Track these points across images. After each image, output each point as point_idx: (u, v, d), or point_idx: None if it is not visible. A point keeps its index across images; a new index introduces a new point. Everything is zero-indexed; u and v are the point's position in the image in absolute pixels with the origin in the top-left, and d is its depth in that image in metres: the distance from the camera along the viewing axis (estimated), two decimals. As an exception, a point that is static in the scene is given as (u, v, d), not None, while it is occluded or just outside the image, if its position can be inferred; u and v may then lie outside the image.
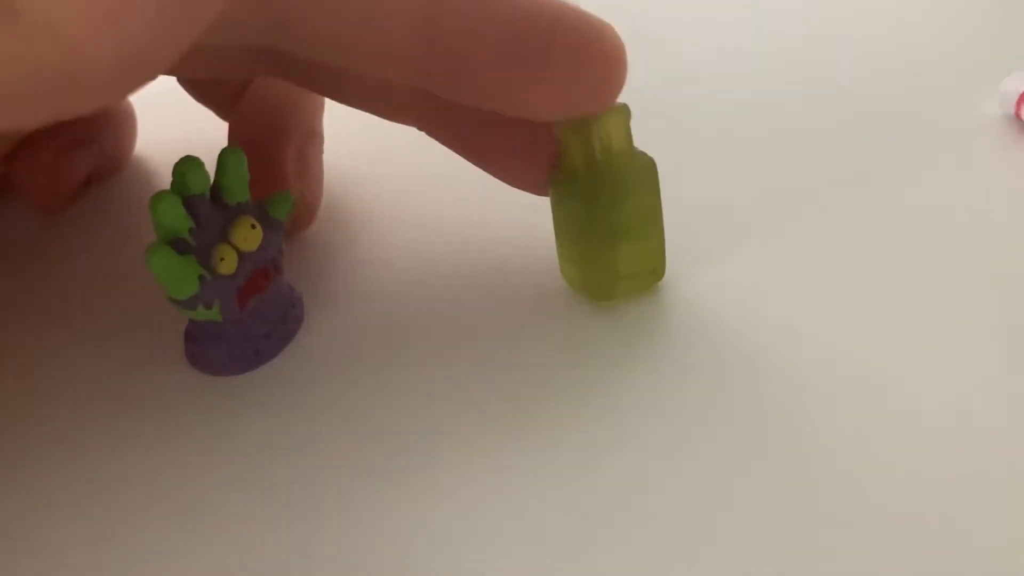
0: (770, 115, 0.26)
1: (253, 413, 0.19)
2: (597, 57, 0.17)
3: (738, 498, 0.16)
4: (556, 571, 0.15)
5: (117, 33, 0.12)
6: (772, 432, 0.17)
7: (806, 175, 0.23)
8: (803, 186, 0.23)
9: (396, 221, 0.23)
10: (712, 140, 0.25)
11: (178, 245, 0.17)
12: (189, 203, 0.18)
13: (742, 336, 0.19)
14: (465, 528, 0.16)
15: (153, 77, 0.14)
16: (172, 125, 0.26)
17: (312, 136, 0.23)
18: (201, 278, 0.18)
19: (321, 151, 0.24)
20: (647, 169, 0.19)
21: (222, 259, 0.18)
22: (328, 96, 0.21)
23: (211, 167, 0.18)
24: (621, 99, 0.18)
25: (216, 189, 0.18)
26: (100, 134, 0.25)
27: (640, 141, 0.19)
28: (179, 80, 0.25)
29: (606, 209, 0.18)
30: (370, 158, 0.23)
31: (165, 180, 0.17)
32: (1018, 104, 0.24)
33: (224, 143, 0.19)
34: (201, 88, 0.25)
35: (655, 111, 0.26)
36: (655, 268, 0.20)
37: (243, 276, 0.18)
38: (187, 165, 0.17)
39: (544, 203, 0.20)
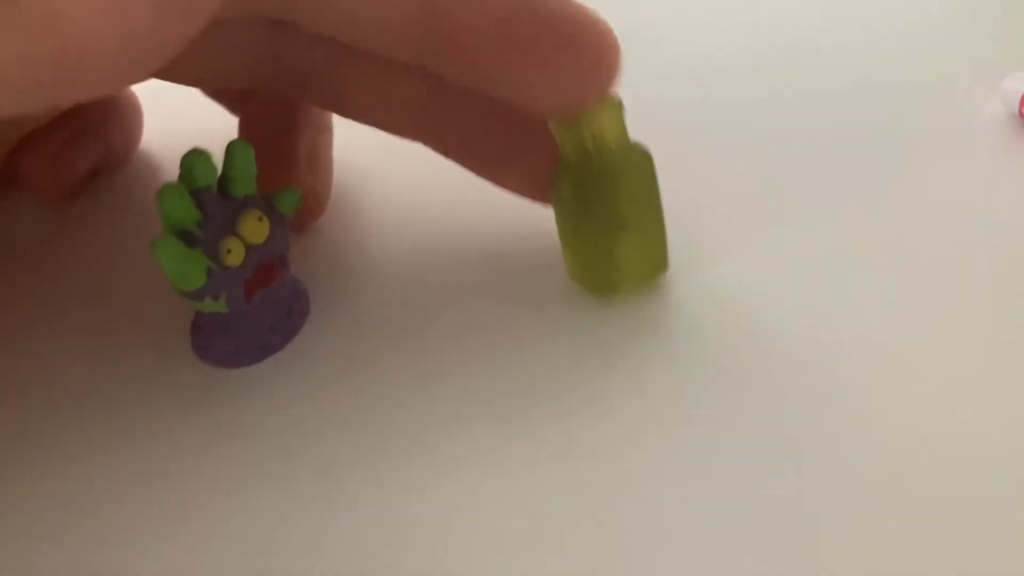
0: (772, 113, 0.26)
1: (258, 406, 0.19)
2: (590, 44, 0.17)
3: (740, 495, 0.16)
4: (558, 568, 0.15)
5: (118, 18, 0.12)
6: (774, 428, 0.17)
7: (809, 173, 0.23)
8: (806, 184, 0.23)
9: (402, 215, 0.23)
10: (715, 138, 0.25)
11: (186, 237, 0.17)
12: (196, 195, 0.18)
13: (744, 333, 0.19)
14: (467, 522, 0.16)
15: (157, 66, 0.14)
16: (179, 118, 0.26)
17: (323, 130, 0.23)
18: (208, 270, 0.18)
19: (331, 145, 0.24)
20: (642, 160, 0.19)
21: (229, 251, 0.18)
22: (331, 109, 0.21)
23: (218, 161, 0.18)
24: (624, 98, 0.18)
25: (223, 181, 0.18)
26: (106, 126, 0.25)
27: (642, 138, 0.19)
28: None
29: (603, 201, 0.19)
30: (376, 152, 0.23)
31: (171, 173, 0.17)
32: (1021, 103, 0.24)
33: (231, 136, 0.19)
34: (209, 84, 0.25)
35: (657, 109, 0.26)
36: (657, 261, 0.20)
37: (250, 268, 0.18)
38: (195, 157, 0.18)
39: (550, 199, 0.20)
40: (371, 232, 0.23)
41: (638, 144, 0.19)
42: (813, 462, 0.16)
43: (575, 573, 0.15)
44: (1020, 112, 0.24)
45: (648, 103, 0.25)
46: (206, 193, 0.18)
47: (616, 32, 0.18)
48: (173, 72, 0.18)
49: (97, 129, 0.25)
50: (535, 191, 0.21)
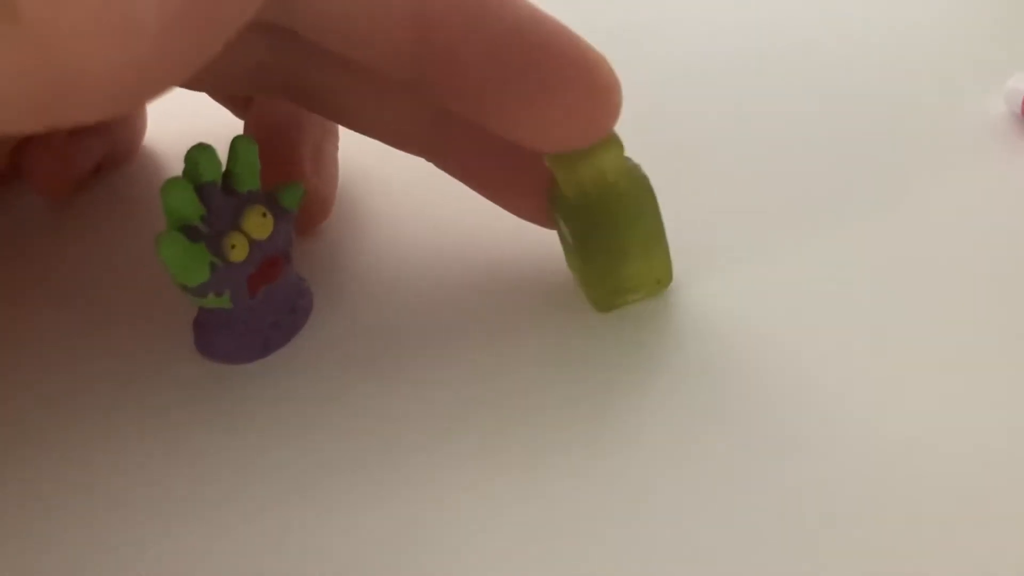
0: (775, 115, 0.26)
1: (260, 402, 0.19)
2: (587, 89, 0.17)
3: (743, 503, 0.16)
4: (557, 573, 0.15)
5: (118, 44, 0.12)
6: (778, 436, 0.17)
7: (812, 175, 0.23)
8: (809, 187, 0.23)
9: (406, 216, 0.23)
10: (717, 142, 0.25)
11: (189, 232, 0.17)
12: (201, 190, 0.18)
13: (748, 340, 0.19)
14: (466, 523, 0.16)
15: (158, 94, 0.13)
16: (182, 115, 0.26)
17: (328, 132, 0.23)
18: (212, 265, 0.18)
19: (336, 147, 0.24)
20: (642, 192, 0.19)
21: (233, 247, 0.18)
22: (333, 119, 0.21)
23: (222, 157, 0.18)
24: (625, 101, 0.18)
25: (227, 177, 0.18)
26: (110, 122, 0.25)
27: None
28: None
29: (604, 234, 0.19)
30: (381, 154, 0.23)
31: (174, 170, 0.17)
32: (1025, 103, 0.24)
33: (235, 133, 0.19)
34: (214, 85, 0.25)
35: (659, 113, 0.26)
36: (660, 278, 0.20)
37: (253, 264, 0.18)
38: (199, 152, 0.17)
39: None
40: (374, 232, 0.23)
41: (634, 168, 0.19)
42: (820, 468, 0.16)
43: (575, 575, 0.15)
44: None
45: (649, 107, 0.25)
46: (210, 188, 0.18)
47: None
48: None
49: (101, 125, 0.25)
50: (536, 215, 0.20)
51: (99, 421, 0.18)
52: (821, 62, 0.28)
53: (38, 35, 0.12)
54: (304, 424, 0.18)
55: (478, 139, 0.20)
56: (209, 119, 0.24)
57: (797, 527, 0.15)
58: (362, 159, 0.25)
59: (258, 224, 0.18)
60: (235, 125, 0.24)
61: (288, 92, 0.20)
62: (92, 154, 0.24)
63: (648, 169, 0.19)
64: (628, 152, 0.19)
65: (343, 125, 0.21)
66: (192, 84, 0.21)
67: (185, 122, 0.23)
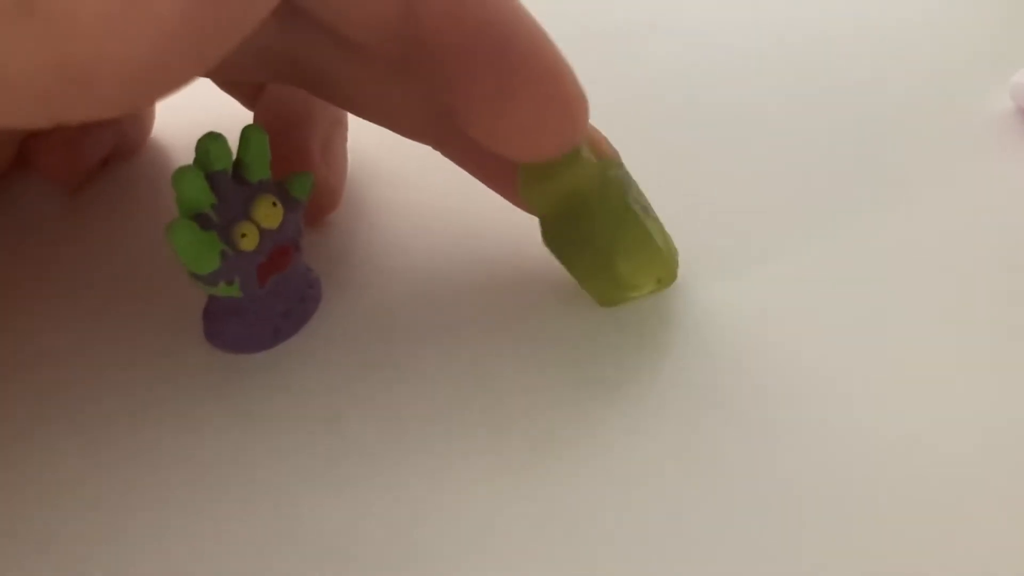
0: (779, 113, 0.26)
1: (269, 391, 0.19)
2: (547, 98, 0.16)
3: (747, 500, 0.16)
4: (561, 568, 0.15)
5: (134, 36, 0.12)
6: (781, 433, 0.17)
7: (816, 174, 0.23)
8: (814, 185, 0.23)
9: (414, 207, 0.23)
10: (719, 141, 0.25)
11: (200, 221, 0.17)
12: (211, 179, 0.18)
13: (751, 337, 0.19)
14: (473, 515, 0.16)
15: (175, 89, 0.13)
16: (191, 106, 0.26)
17: (337, 124, 0.23)
18: (223, 254, 0.18)
19: (345, 138, 0.24)
20: (616, 201, 0.18)
21: (244, 236, 0.18)
22: (340, 106, 0.21)
23: (232, 148, 0.18)
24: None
25: (237, 166, 0.18)
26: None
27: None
28: None
29: (589, 246, 0.19)
30: (390, 145, 0.23)
31: (183, 161, 0.17)
32: (1032, 99, 0.24)
33: (244, 123, 0.19)
34: (223, 76, 0.25)
35: (662, 113, 0.26)
36: (661, 276, 0.20)
37: (264, 253, 0.18)
38: (210, 141, 0.18)
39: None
40: (383, 223, 0.23)
41: (610, 175, 0.18)
42: (823, 465, 0.16)
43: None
44: (1031, 108, 0.24)
45: (652, 106, 0.26)
46: (221, 177, 0.18)
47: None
48: None
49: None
50: None
51: (108, 409, 0.19)
52: (825, 60, 0.28)
53: (54, 27, 0.12)
54: (312, 413, 0.18)
55: None
56: (218, 110, 0.24)
57: (801, 524, 0.15)
58: (370, 150, 0.25)
59: (268, 213, 0.18)
60: (244, 116, 0.24)
61: (296, 77, 0.20)
62: (102, 145, 0.24)
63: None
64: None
65: (351, 112, 0.21)
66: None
67: (194, 113, 0.23)
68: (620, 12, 0.31)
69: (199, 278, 0.18)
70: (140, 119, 0.26)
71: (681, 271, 0.20)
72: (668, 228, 0.20)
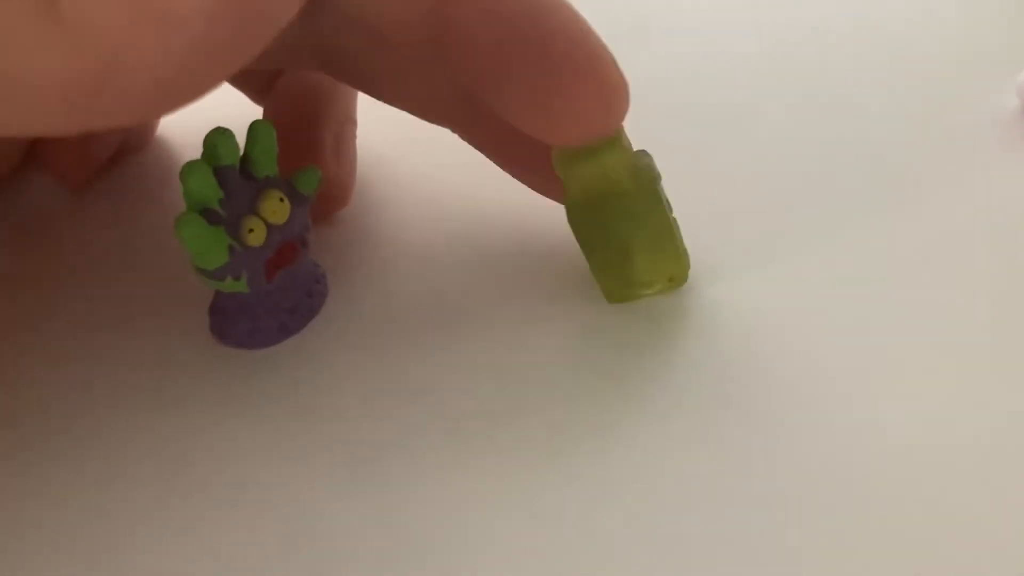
0: (786, 115, 0.26)
1: (276, 387, 0.19)
2: (592, 85, 0.17)
3: (755, 499, 0.16)
4: (569, 567, 0.15)
5: (160, 40, 0.12)
6: (790, 432, 0.17)
7: (824, 174, 0.23)
8: (822, 185, 0.23)
9: (421, 203, 0.23)
10: (727, 141, 0.25)
11: (208, 215, 0.18)
12: (219, 174, 0.18)
13: (760, 336, 0.19)
14: (479, 513, 0.16)
15: (200, 94, 0.13)
16: (198, 102, 0.26)
17: (347, 120, 0.23)
18: (231, 249, 0.18)
19: (355, 135, 0.24)
20: (647, 192, 0.19)
21: (251, 231, 0.18)
22: (364, 91, 0.21)
23: (240, 143, 0.18)
24: (636, 101, 0.18)
25: (245, 161, 0.18)
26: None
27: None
28: None
29: (608, 237, 0.19)
30: (399, 142, 0.23)
31: (190, 156, 0.17)
32: (1040, 97, 0.24)
33: (251, 119, 0.19)
34: (236, 74, 0.25)
35: (671, 113, 0.26)
36: (673, 276, 0.20)
37: (271, 249, 0.18)
38: (218, 136, 0.18)
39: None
40: (391, 220, 0.23)
41: (644, 168, 0.19)
42: (831, 465, 0.16)
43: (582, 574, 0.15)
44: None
45: (661, 106, 0.25)
46: (229, 172, 0.18)
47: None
48: None
49: None
50: (560, 194, 0.20)
51: (115, 405, 0.19)
52: (829, 61, 0.28)
53: (81, 34, 0.11)
54: (319, 409, 0.18)
55: None
56: (225, 106, 0.24)
57: (810, 523, 0.15)
58: (379, 147, 0.25)
59: (275, 209, 0.18)
60: (252, 111, 0.24)
61: (317, 59, 0.20)
62: (110, 142, 0.25)
63: (662, 168, 0.19)
64: (643, 149, 0.19)
65: (371, 95, 0.21)
66: None
67: (202, 108, 0.23)
68: (620, 12, 0.31)
69: (206, 273, 0.18)
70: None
71: (691, 268, 0.20)
72: (679, 224, 0.20)
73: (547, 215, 0.21)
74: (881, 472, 0.16)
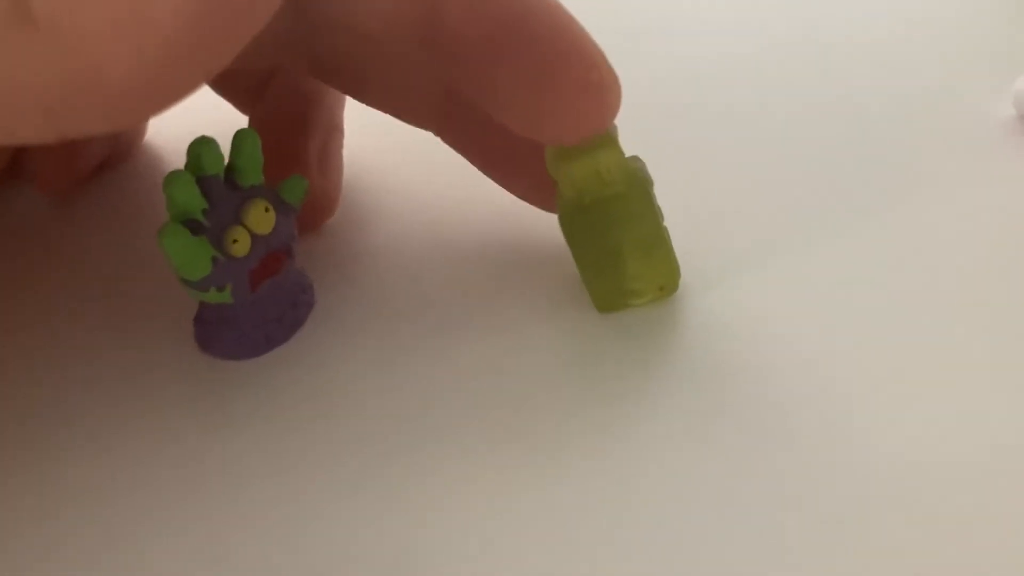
0: (780, 120, 0.26)
1: (261, 397, 0.18)
2: (583, 83, 0.17)
3: (750, 505, 0.16)
4: (563, 571, 0.15)
5: (134, 45, 0.12)
6: (785, 438, 0.17)
7: (818, 179, 0.23)
8: (815, 191, 0.23)
9: (409, 212, 0.23)
10: (720, 145, 0.25)
11: (191, 226, 0.17)
12: (203, 183, 0.17)
13: (754, 342, 0.19)
14: (470, 521, 0.16)
15: (176, 100, 0.13)
16: (184, 112, 0.26)
17: (334, 131, 0.23)
18: (214, 259, 0.17)
19: (342, 144, 0.24)
20: (640, 195, 0.18)
21: (235, 241, 0.18)
22: (349, 93, 0.21)
23: (224, 155, 0.18)
24: (631, 103, 0.18)
25: (230, 171, 0.18)
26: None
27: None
28: None
29: (599, 238, 0.18)
30: (385, 153, 0.23)
31: (176, 165, 0.17)
32: (1033, 105, 0.24)
33: (237, 128, 0.19)
34: (221, 81, 0.25)
35: (664, 117, 0.26)
36: (664, 284, 0.19)
37: (255, 259, 0.18)
38: (202, 145, 0.17)
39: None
40: (378, 229, 0.23)
41: (636, 171, 0.19)
42: (827, 470, 0.16)
43: None
44: (1032, 114, 0.24)
45: (654, 110, 0.25)
46: (213, 181, 0.18)
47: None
48: None
49: None
50: (542, 199, 0.20)
51: (100, 417, 0.18)
52: (827, 66, 0.28)
53: (57, 39, 0.11)
54: (306, 420, 0.18)
55: (488, 116, 0.20)
56: (211, 116, 0.24)
57: (806, 528, 0.15)
58: (365, 157, 0.25)
59: (260, 219, 0.18)
60: (238, 121, 0.24)
61: (302, 60, 0.20)
62: (95, 152, 0.24)
63: (653, 173, 0.19)
64: (636, 155, 0.19)
65: (357, 98, 0.21)
66: None
67: (187, 117, 0.23)
68: (620, 12, 0.31)
69: (190, 284, 0.18)
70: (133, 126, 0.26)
71: (682, 276, 0.20)
72: (669, 232, 0.20)
73: (535, 225, 0.21)
74: (879, 476, 0.16)
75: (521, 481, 0.16)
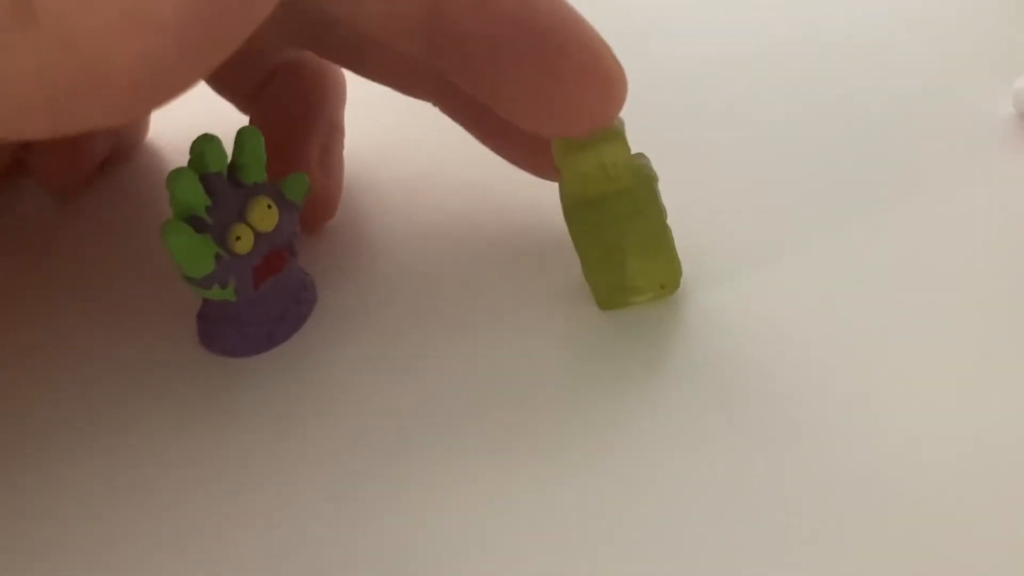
0: (780, 118, 0.26)
1: (264, 395, 0.18)
2: (589, 77, 0.17)
3: (751, 502, 0.16)
4: (564, 569, 0.15)
5: (136, 39, 0.12)
6: (786, 435, 0.17)
7: (818, 178, 0.23)
8: (816, 190, 0.23)
9: (410, 210, 0.23)
10: (721, 144, 0.25)
11: (195, 223, 0.17)
12: (206, 180, 0.18)
13: (755, 339, 0.19)
14: (473, 518, 0.16)
15: (178, 92, 0.13)
16: (188, 109, 0.26)
17: (334, 130, 0.23)
18: (217, 257, 0.18)
19: (342, 144, 0.24)
20: (645, 191, 0.19)
21: (238, 238, 0.18)
22: (348, 67, 0.21)
23: (227, 151, 0.18)
24: (632, 102, 0.18)
25: (233, 168, 0.18)
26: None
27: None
28: None
29: (602, 233, 0.18)
30: (387, 151, 0.23)
31: (179, 162, 0.17)
32: (1033, 104, 0.24)
33: (240, 126, 0.19)
34: (221, 80, 0.25)
35: (665, 116, 0.26)
36: (665, 282, 0.19)
37: (258, 256, 0.18)
38: (205, 143, 0.17)
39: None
40: (381, 227, 0.23)
41: (642, 167, 0.19)
42: (827, 467, 0.16)
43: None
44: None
45: (656, 109, 0.25)
46: (216, 179, 0.18)
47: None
48: None
49: None
50: (539, 167, 0.20)
51: (103, 414, 0.18)
52: (828, 63, 0.28)
53: (57, 36, 0.11)
54: (307, 417, 0.18)
55: None
56: (214, 114, 0.24)
57: (807, 526, 0.15)
58: (367, 156, 0.25)
59: (263, 216, 0.18)
60: (240, 119, 0.24)
61: (305, 37, 0.20)
62: (98, 150, 0.24)
63: (658, 169, 0.19)
64: (641, 152, 0.19)
65: (356, 71, 0.21)
66: None
67: (190, 116, 0.23)
68: (620, 13, 0.31)
69: (193, 281, 0.18)
70: (136, 123, 0.26)
71: (683, 274, 0.20)
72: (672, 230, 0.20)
73: (536, 225, 0.21)
74: (880, 474, 0.16)
75: (521, 481, 0.16)
